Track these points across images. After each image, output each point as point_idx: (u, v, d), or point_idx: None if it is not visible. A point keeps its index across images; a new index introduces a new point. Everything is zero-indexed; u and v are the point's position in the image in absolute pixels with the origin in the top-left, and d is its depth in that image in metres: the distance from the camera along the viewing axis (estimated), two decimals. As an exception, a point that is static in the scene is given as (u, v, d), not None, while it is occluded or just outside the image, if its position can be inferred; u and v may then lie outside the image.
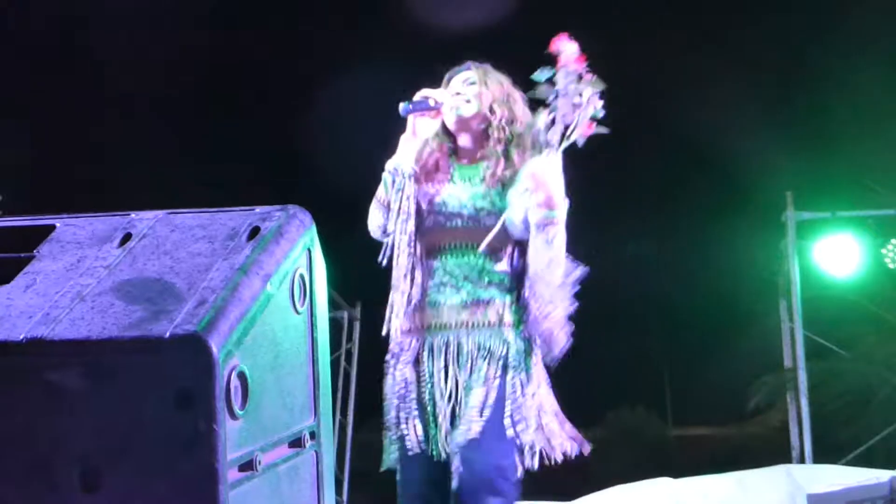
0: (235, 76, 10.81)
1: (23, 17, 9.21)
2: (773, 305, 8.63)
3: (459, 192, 2.98)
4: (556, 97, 2.75)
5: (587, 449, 2.96)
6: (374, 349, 3.07)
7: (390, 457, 2.95)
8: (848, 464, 7.31)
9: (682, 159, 11.12)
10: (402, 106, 2.94)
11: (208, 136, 10.77)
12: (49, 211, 2.22)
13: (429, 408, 2.88)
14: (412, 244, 2.94)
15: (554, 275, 2.87)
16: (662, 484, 6.49)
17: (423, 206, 2.97)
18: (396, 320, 2.96)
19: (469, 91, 3.02)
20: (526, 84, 2.88)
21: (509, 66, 3.11)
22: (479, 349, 2.88)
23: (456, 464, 2.80)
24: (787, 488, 6.17)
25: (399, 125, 3.00)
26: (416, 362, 2.93)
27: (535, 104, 2.91)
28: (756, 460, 7.06)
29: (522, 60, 2.94)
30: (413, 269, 2.95)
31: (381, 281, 3.05)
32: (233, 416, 1.77)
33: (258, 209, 2.11)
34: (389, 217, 2.95)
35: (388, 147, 3.03)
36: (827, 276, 8.11)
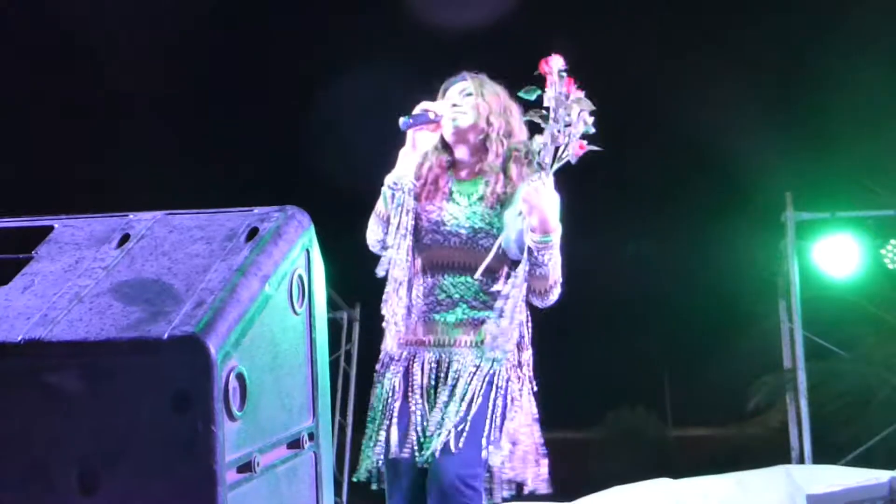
0: (235, 76, 10.81)
1: (22, 16, 9.21)
2: (773, 306, 8.63)
3: (457, 211, 2.98)
4: (547, 119, 2.76)
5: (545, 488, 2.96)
6: (374, 350, 3.08)
7: (366, 465, 2.95)
8: (847, 464, 7.31)
9: (681, 159, 11.12)
10: (401, 120, 2.93)
11: (207, 137, 10.77)
12: (47, 212, 2.22)
13: (414, 418, 2.89)
14: (409, 259, 2.95)
15: (547, 296, 2.90)
16: (662, 484, 6.49)
17: (422, 222, 2.98)
18: (392, 334, 2.97)
19: (466, 102, 3.02)
20: (525, 82, 2.88)
21: (508, 66, 3.10)
22: (467, 367, 2.90)
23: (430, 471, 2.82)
24: (786, 489, 6.17)
25: (398, 129, 2.99)
26: (406, 374, 2.94)
27: (529, 126, 2.92)
28: (756, 461, 7.06)
29: (522, 59, 2.94)
30: (409, 284, 2.96)
31: (380, 282, 3.06)
32: (231, 417, 1.77)
33: (256, 210, 2.11)
34: (388, 231, 2.95)
35: (388, 148, 3.02)
36: (826, 276, 8.11)
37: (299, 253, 2.10)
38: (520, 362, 2.94)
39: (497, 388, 2.88)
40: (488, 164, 2.99)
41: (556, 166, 2.78)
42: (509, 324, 2.89)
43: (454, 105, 3.01)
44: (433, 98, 3.07)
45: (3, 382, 1.78)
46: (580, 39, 2.78)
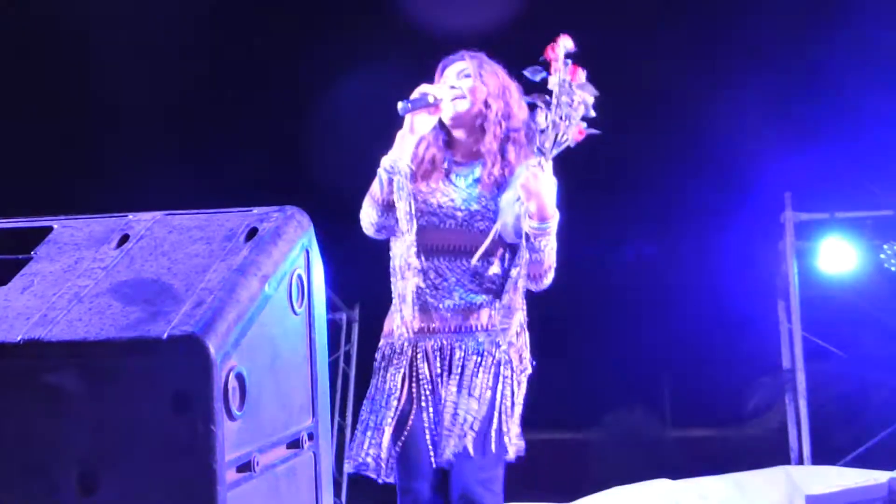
0: (235, 76, 10.80)
1: (21, 16, 9.20)
2: (772, 306, 8.63)
3: (454, 193, 2.96)
4: (549, 104, 2.75)
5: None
6: (373, 351, 3.07)
7: (361, 457, 2.92)
8: (847, 465, 7.32)
9: (680, 160, 11.11)
10: (400, 105, 2.91)
11: (206, 137, 10.76)
12: (46, 212, 2.22)
13: (424, 414, 2.88)
14: (414, 244, 2.93)
15: (541, 280, 2.90)
16: (661, 485, 6.49)
17: (418, 203, 2.95)
18: (399, 320, 2.95)
19: (464, 84, 3.00)
20: (528, 83, 2.88)
21: (510, 68, 3.09)
22: (472, 355, 2.88)
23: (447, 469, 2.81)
24: (785, 489, 6.18)
25: (398, 130, 2.99)
26: (410, 368, 2.92)
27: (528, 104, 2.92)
28: (755, 461, 7.05)
29: (522, 56, 2.93)
30: (409, 267, 2.94)
31: (379, 283, 3.05)
32: (231, 417, 1.77)
33: (256, 210, 2.11)
34: (394, 217, 2.93)
35: (388, 149, 3.01)
36: (826, 277, 8.11)
37: (299, 253, 2.10)
38: (519, 346, 2.94)
39: (504, 378, 2.87)
40: (486, 146, 2.97)
41: (555, 152, 2.78)
42: (510, 306, 2.89)
43: (452, 87, 2.99)
44: (431, 80, 3.05)
45: (3, 383, 1.78)
46: (580, 39, 2.77)
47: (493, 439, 2.83)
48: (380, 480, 2.93)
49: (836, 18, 8.92)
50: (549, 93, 2.76)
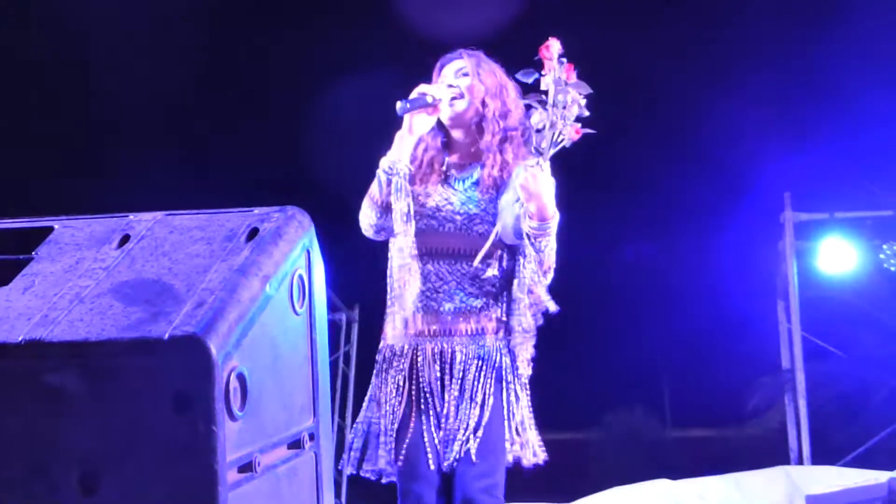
0: (236, 77, 10.80)
1: (21, 17, 9.20)
2: (772, 306, 8.63)
3: (453, 197, 2.95)
4: (545, 104, 2.75)
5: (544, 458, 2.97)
6: (373, 351, 3.07)
7: (375, 461, 2.93)
8: (846, 465, 7.32)
9: (680, 160, 11.11)
10: (399, 105, 2.90)
11: (207, 137, 10.77)
12: (47, 212, 2.22)
13: (424, 417, 2.88)
14: (412, 246, 2.93)
15: (541, 281, 2.89)
16: (661, 485, 6.49)
17: (417, 206, 2.95)
18: (398, 322, 2.95)
19: (462, 83, 2.99)
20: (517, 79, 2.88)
21: (507, 56, 3.09)
22: (473, 359, 2.88)
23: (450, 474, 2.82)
24: (785, 489, 6.18)
25: (398, 130, 2.98)
26: (410, 369, 2.92)
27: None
28: (755, 461, 7.06)
29: (520, 55, 2.93)
30: (408, 270, 2.94)
31: (379, 283, 3.05)
32: (232, 417, 1.77)
33: (257, 210, 2.11)
34: (392, 219, 2.93)
35: (387, 148, 3.01)
36: (825, 277, 8.12)
37: (300, 253, 2.10)
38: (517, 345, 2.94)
39: (507, 384, 2.87)
40: (484, 146, 2.97)
41: (552, 151, 2.77)
42: (507, 308, 2.89)
43: (450, 86, 2.99)
44: (429, 79, 3.05)
45: (4, 383, 1.78)
46: (579, 39, 2.77)
47: (495, 446, 2.83)
48: (384, 480, 2.93)
49: (836, 18, 8.92)
50: (544, 93, 2.76)
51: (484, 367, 2.86)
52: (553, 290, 2.96)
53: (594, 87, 2.79)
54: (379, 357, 3.01)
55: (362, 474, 2.95)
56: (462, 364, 2.86)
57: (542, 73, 2.76)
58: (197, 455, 1.70)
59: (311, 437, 2.14)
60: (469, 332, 2.89)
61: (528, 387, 2.95)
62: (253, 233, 2.02)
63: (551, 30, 2.82)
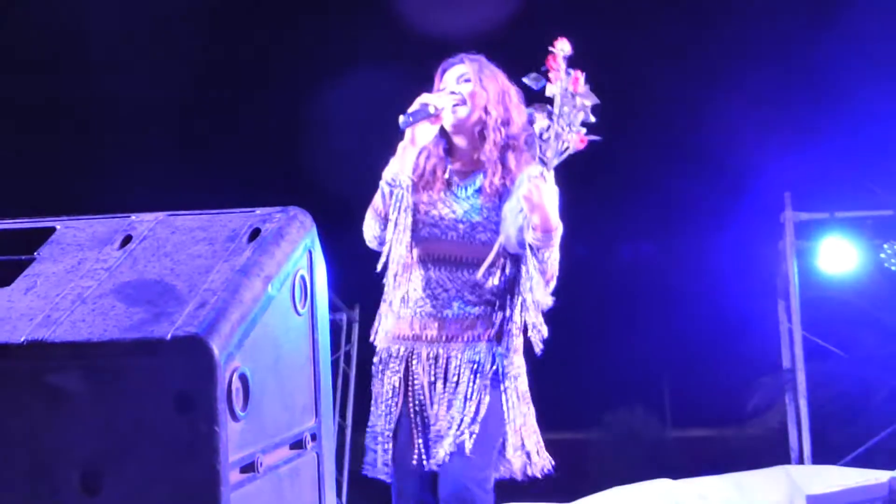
0: (236, 77, 10.80)
1: (21, 17, 9.20)
2: (772, 306, 8.63)
3: (455, 205, 2.95)
4: (551, 114, 2.74)
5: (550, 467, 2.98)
6: (373, 352, 3.08)
7: (375, 463, 2.95)
8: (847, 465, 7.31)
9: (680, 160, 11.12)
10: (401, 119, 2.88)
11: (208, 137, 10.77)
12: (49, 213, 2.22)
13: (417, 419, 2.89)
14: (407, 254, 2.93)
15: (543, 291, 2.89)
16: (661, 485, 6.48)
17: (419, 215, 2.95)
18: (384, 328, 2.97)
19: (464, 89, 2.98)
20: (523, 84, 2.88)
21: (511, 72, 3.08)
22: (468, 364, 2.88)
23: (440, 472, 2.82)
24: (786, 489, 6.17)
25: (398, 130, 2.97)
26: (406, 371, 2.93)
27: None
28: (755, 461, 7.05)
29: (521, 56, 2.93)
30: (407, 277, 2.94)
31: (379, 284, 3.05)
32: (234, 417, 1.77)
33: (258, 211, 2.11)
34: (387, 228, 2.93)
35: (388, 151, 3.01)
36: (826, 276, 8.11)
37: (302, 253, 2.10)
38: (517, 351, 2.94)
39: (505, 389, 2.88)
40: (486, 155, 2.96)
41: (556, 161, 2.77)
42: (507, 316, 2.90)
43: (452, 92, 2.98)
44: (431, 83, 3.04)
45: (6, 383, 1.78)
46: (579, 39, 2.77)
47: (488, 441, 2.83)
48: (389, 480, 2.96)
49: (836, 18, 8.92)
50: (549, 100, 2.75)
51: (478, 373, 2.87)
52: (553, 289, 2.96)
53: (594, 87, 2.78)
54: (376, 359, 3.02)
55: (380, 476, 2.96)
56: (456, 370, 2.88)
57: (549, 79, 2.74)
58: (199, 455, 1.70)
59: (314, 437, 2.14)
60: (465, 339, 2.90)
61: (529, 398, 2.95)
62: (255, 233, 2.02)
63: (551, 29, 2.81)
